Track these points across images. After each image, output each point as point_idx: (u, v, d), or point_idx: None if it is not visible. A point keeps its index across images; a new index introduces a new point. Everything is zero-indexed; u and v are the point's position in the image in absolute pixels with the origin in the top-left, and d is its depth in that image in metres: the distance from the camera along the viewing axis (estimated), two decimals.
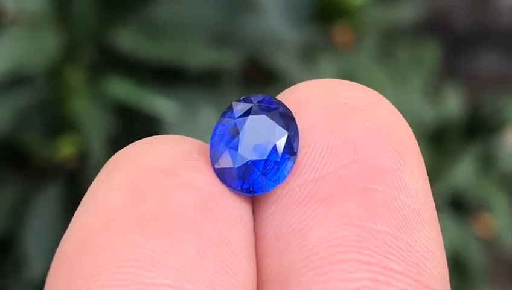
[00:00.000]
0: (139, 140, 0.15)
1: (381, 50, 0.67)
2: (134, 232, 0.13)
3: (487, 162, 0.70)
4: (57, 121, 0.52)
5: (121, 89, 0.51)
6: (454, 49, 0.89)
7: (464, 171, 0.68)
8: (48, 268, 0.14)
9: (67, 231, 0.14)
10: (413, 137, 0.15)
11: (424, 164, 0.15)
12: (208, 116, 0.51)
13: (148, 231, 0.13)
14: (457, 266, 0.67)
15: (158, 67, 0.52)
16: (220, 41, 0.53)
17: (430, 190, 0.15)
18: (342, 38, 0.65)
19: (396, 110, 0.15)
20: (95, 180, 0.14)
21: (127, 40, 0.51)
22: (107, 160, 0.15)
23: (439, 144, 0.68)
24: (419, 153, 0.15)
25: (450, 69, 0.83)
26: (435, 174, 0.66)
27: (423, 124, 0.67)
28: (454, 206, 0.68)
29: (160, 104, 0.50)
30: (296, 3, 0.56)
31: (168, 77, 0.53)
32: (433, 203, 0.15)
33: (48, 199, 0.51)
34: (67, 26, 0.52)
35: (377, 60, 0.66)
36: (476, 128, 0.71)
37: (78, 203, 0.14)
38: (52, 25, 0.51)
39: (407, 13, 0.71)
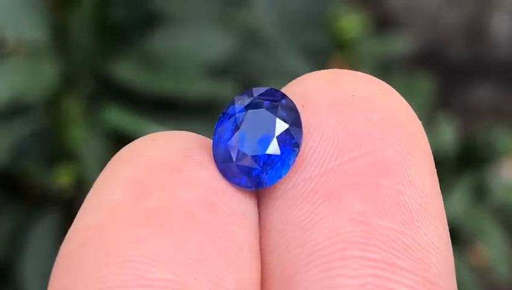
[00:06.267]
0: (142, 137, 0.15)
1: None
2: (138, 227, 0.13)
3: (480, 193, 0.70)
4: (55, 150, 0.52)
5: (119, 118, 0.51)
6: (449, 80, 0.90)
7: (457, 202, 0.68)
8: None
9: (71, 226, 0.14)
10: (422, 130, 0.15)
11: (432, 158, 0.15)
12: None
13: (153, 227, 0.13)
14: None
15: (156, 97, 0.53)
16: (222, 72, 0.54)
17: (438, 184, 0.14)
18: None
19: (406, 102, 0.15)
20: (99, 176, 0.14)
21: (125, 71, 0.52)
22: None
23: None
24: (428, 146, 0.15)
25: (444, 100, 0.84)
26: None
27: None
28: None
29: None
30: (310, 38, 0.57)
31: (166, 106, 0.53)
32: (441, 197, 0.14)
33: (45, 227, 0.52)
34: (66, 56, 0.52)
35: None
36: (469, 159, 0.71)
37: None
38: (51, 55, 0.52)
39: (401, 45, 0.72)
